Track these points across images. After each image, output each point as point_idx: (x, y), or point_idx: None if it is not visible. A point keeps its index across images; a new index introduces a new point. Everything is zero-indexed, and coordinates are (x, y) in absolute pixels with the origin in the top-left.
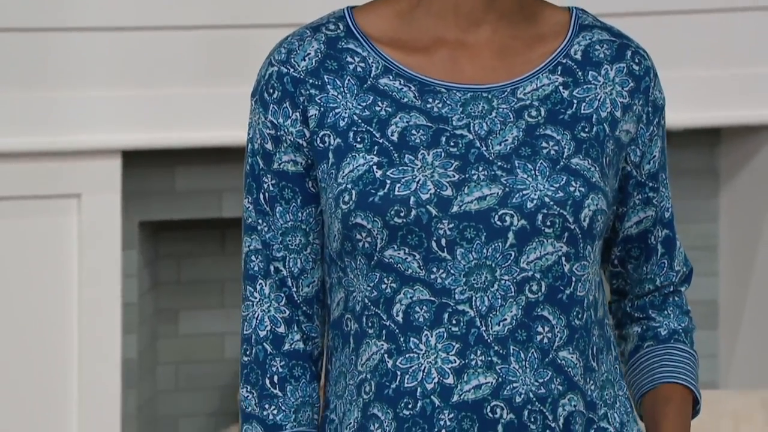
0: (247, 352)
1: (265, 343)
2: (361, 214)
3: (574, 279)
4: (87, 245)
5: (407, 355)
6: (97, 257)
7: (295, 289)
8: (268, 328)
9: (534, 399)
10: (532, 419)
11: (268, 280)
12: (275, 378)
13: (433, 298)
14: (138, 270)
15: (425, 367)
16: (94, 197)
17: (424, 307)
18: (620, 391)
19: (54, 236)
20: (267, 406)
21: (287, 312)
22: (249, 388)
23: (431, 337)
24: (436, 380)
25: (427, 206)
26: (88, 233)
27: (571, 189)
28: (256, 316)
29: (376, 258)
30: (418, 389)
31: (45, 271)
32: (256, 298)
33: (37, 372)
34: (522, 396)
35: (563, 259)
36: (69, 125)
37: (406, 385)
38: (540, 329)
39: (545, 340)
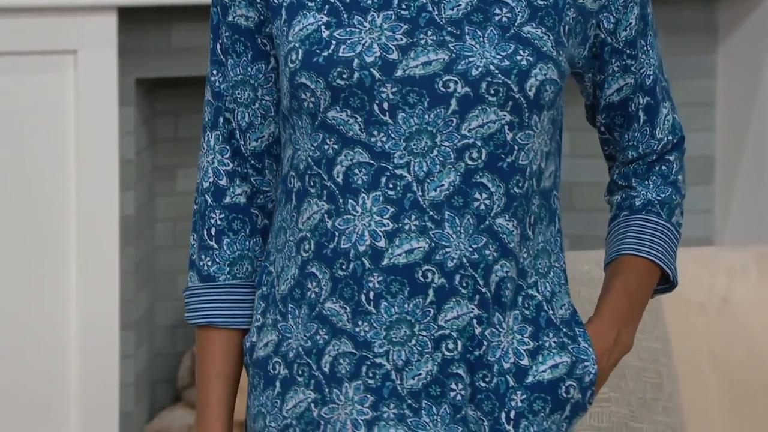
0: (196, 201)
1: (206, 195)
2: (306, 73)
3: (516, 148)
4: (84, 102)
5: (345, 217)
6: (94, 114)
7: (242, 142)
8: (211, 180)
9: (467, 264)
10: (464, 284)
11: (214, 132)
12: (212, 230)
13: (372, 161)
14: (135, 127)
15: (359, 229)
16: (90, 54)
17: (363, 170)
18: (556, 263)
19: (50, 93)
20: (203, 256)
21: (231, 165)
22: (195, 236)
23: (368, 199)
24: (368, 243)
25: (371, 69)
26: (84, 90)
27: (518, 58)
28: (202, 166)
29: (319, 118)
30: (352, 251)
31: (42, 128)
32: (203, 148)
33: (35, 229)
34: (454, 261)
35: (506, 127)
36: None
37: (342, 246)
38: (477, 196)
39: (482, 207)
